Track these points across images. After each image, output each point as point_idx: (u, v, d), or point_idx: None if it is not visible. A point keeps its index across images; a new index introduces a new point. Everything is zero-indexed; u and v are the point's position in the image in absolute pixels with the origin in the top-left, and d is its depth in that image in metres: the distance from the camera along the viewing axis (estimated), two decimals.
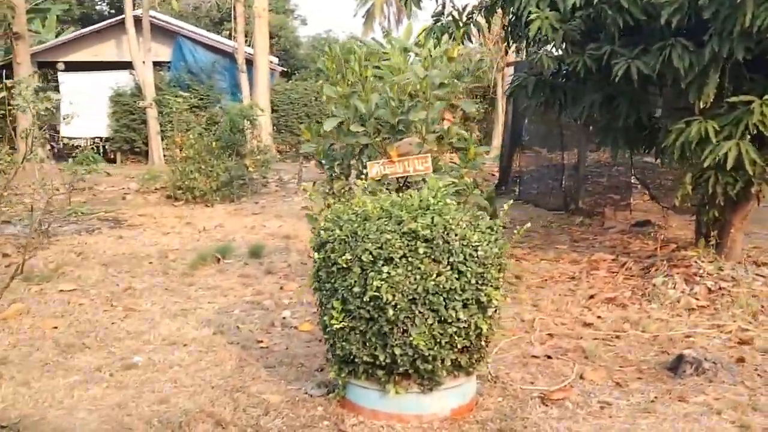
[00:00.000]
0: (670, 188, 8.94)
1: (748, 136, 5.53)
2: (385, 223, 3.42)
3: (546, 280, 6.20)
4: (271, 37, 27.67)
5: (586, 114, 6.86)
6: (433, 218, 3.41)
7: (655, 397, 3.78)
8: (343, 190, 5.14)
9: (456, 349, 3.40)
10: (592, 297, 5.62)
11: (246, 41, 19.61)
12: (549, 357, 4.42)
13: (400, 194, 3.86)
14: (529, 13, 6.06)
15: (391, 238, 3.31)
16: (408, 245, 3.32)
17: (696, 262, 5.86)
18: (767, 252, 6.95)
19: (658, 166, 9.02)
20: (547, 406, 3.71)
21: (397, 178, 5.36)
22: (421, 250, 3.30)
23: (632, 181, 9.77)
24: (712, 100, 5.49)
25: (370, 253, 3.31)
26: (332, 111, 5.33)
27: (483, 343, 3.53)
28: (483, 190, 5.73)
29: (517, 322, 5.13)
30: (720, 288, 5.51)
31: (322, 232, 3.58)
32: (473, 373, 3.60)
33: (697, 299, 5.36)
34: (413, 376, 3.40)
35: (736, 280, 5.63)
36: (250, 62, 17.92)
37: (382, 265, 3.28)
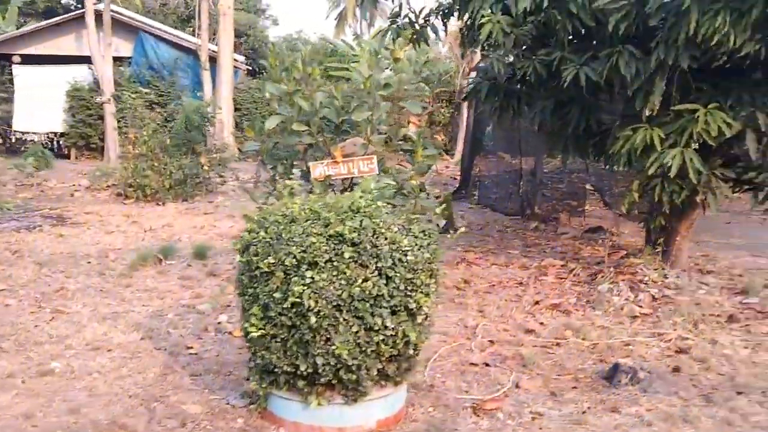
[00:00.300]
0: (623, 195, 8.98)
1: (695, 145, 5.54)
2: (312, 225, 3.28)
3: (494, 285, 6.13)
4: (239, 36, 27.36)
5: (539, 120, 6.84)
6: (362, 221, 3.29)
7: (588, 408, 3.71)
8: (286, 191, 4.98)
9: (383, 358, 3.28)
10: (537, 303, 5.56)
11: (211, 39, 19.30)
12: (487, 365, 4.33)
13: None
14: (482, 16, 6.01)
15: (316, 242, 3.18)
16: (334, 249, 3.19)
17: (641, 269, 5.85)
18: (714, 260, 7.01)
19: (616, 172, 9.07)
20: (478, 416, 3.61)
21: (342, 180, 5.23)
22: (347, 255, 3.17)
23: (588, 187, 9.81)
24: (658, 108, 5.48)
25: (294, 256, 3.17)
26: (276, 109, 5.17)
27: (412, 351, 3.41)
28: (429, 194, 5.60)
29: (460, 328, 5.03)
30: (664, 296, 5.50)
31: (246, 233, 3.44)
32: (402, 382, 3.48)
33: (641, 307, 5.33)
34: (337, 386, 3.26)
35: (680, 288, 5.64)
36: (215, 60, 17.64)
37: (306, 270, 3.14)
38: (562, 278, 6.22)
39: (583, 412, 3.64)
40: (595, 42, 6.05)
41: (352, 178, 5.08)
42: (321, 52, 22.71)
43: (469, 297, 5.75)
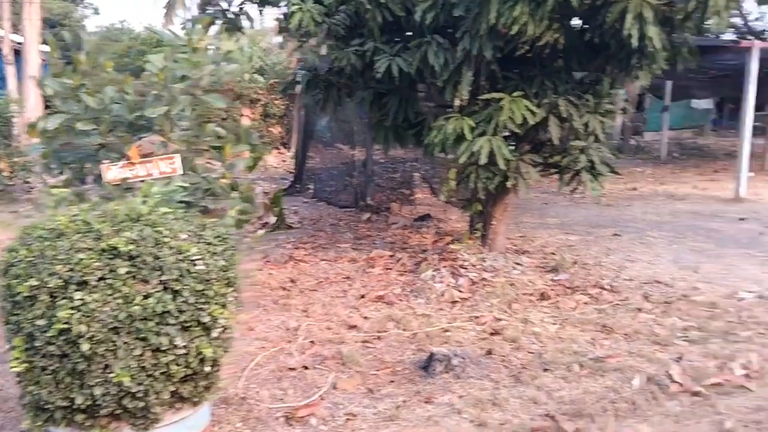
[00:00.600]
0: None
1: (506, 132, 5.76)
2: (82, 239, 2.89)
3: (321, 282, 5.99)
4: (52, 26, 24.89)
5: (358, 111, 6.80)
6: (142, 231, 2.96)
7: (404, 401, 3.67)
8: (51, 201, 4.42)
9: (175, 380, 2.98)
10: (363, 297, 5.50)
11: (17, 29, 17.30)
12: (306, 368, 4.16)
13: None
14: (293, 5, 5.82)
15: (85, 258, 2.80)
16: (108, 265, 2.83)
17: (462, 254, 6.01)
18: (531, 240, 7.42)
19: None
20: (291, 425, 3.43)
21: (143, 182, 4.79)
22: (122, 270, 2.82)
23: (417, 176, 10.03)
24: (469, 98, 5.63)
25: (60, 276, 2.77)
26: (58, 107, 4.61)
27: (210, 368, 3.13)
28: (244, 192, 5.31)
29: (282, 332, 4.82)
30: (482, 279, 5.68)
31: (6, 253, 2.96)
32: (201, 402, 3.20)
33: (461, 291, 5.46)
34: (123, 415, 2.91)
35: (496, 270, 5.86)
36: (20, 53, 15.84)
37: (75, 291, 2.76)
38: (389, 269, 6.23)
39: (398, 407, 3.60)
40: (407, 32, 6.09)
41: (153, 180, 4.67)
42: (147, 42, 21.35)
43: (294, 297, 5.55)
